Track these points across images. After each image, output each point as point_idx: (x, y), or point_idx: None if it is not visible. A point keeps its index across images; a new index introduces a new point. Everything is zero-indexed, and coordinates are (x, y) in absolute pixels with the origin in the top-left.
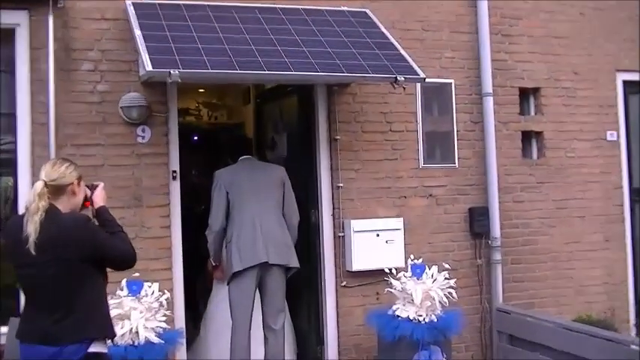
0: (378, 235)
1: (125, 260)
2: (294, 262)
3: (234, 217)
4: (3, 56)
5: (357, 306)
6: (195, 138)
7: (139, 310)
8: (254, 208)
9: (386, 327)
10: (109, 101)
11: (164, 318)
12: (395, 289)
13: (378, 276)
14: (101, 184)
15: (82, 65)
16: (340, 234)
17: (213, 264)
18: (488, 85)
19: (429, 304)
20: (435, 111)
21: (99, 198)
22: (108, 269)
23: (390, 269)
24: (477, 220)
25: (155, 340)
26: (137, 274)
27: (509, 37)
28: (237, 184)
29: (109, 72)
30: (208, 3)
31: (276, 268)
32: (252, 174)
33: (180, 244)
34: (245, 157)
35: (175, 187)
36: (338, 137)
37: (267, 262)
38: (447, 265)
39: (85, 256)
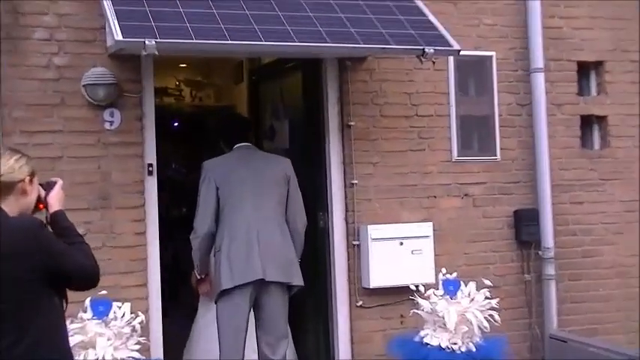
0: (401, 244)
1: (86, 278)
2: (298, 280)
3: (226, 220)
4: None
5: (376, 331)
6: (176, 124)
7: (107, 336)
8: (250, 209)
9: (412, 357)
10: (68, 78)
11: (137, 347)
12: (423, 310)
13: (401, 294)
14: (59, 182)
15: (35, 33)
16: (355, 242)
17: (198, 276)
18: (538, 59)
19: (466, 329)
20: (471, 91)
21: (55, 199)
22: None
23: (417, 286)
24: (525, 226)
25: None
26: (104, 292)
27: None
28: (230, 178)
29: (68, 42)
30: None
31: (275, 287)
32: (250, 166)
33: (158, 255)
34: (242, 144)
35: (152, 184)
36: (352, 123)
37: (264, 279)
38: (487, 282)
39: (36, 271)
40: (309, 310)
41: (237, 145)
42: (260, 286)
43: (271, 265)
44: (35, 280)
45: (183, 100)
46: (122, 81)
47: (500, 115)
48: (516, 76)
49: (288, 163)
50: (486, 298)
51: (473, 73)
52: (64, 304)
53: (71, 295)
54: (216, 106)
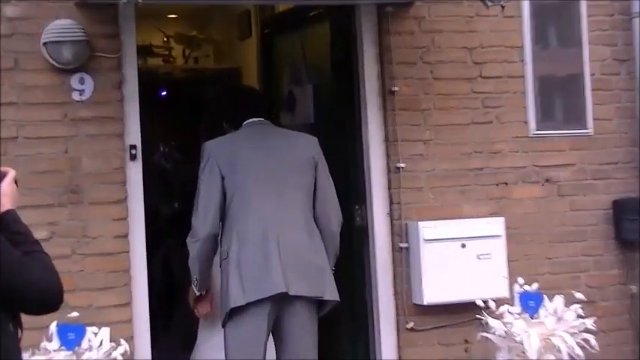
0: (463, 247)
1: (45, 297)
2: (331, 294)
3: (234, 218)
4: None
5: None
6: (164, 93)
7: None
8: (267, 203)
9: None
10: (23, 34)
11: None
12: (495, 333)
13: (466, 312)
14: (10, 173)
15: None
16: (402, 245)
17: (197, 293)
18: None
19: (552, 358)
20: (553, 44)
21: (7, 197)
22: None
23: (486, 302)
24: (627, 221)
25: None
26: (75, 314)
27: None
28: (240, 163)
29: None
30: None
31: (301, 303)
32: (265, 147)
33: (145, 265)
34: (253, 119)
35: (136, 172)
36: (395, 89)
37: (286, 294)
38: (578, 295)
39: None
40: (343, 334)
41: (247, 120)
42: (281, 302)
43: (296, 276)
44: None
45: (173, 62)
46: (94, 37)
47: (592, 75)
48: (613, 23)
49: (315, 142)
50: (579, 316)
51: (555, 19)
52: (19, 332)
53: (32, 319)
54: (217, 69)
